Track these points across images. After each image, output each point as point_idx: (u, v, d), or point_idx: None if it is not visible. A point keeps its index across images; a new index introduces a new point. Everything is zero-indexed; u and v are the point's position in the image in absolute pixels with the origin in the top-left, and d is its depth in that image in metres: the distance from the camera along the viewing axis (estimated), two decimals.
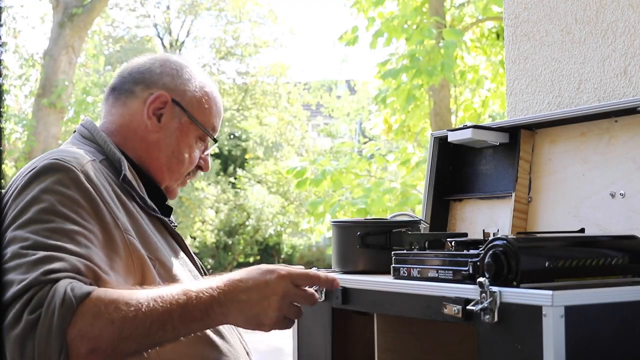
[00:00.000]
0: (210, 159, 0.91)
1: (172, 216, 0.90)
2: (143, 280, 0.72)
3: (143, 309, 0.63)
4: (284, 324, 0.70)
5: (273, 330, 0.70)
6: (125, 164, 0.79)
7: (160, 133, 0.84)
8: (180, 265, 0.79)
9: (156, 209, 0.81)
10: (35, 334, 0.59)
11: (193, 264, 0.85)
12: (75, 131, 0.86)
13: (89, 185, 0.71)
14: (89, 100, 6.45)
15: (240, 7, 10.41)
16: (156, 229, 0.80)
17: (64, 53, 5.76)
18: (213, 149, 0.94)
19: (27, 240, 0.65)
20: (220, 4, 10.46)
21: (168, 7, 10.61)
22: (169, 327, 0.64)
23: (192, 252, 0.86)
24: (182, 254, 0.83)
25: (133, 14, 10.37)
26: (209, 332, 0.75)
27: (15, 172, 5.87)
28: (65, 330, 0.60)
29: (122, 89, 0.85)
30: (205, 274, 0.87)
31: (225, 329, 0.78)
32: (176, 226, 0.88)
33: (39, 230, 0.66)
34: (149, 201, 0.80)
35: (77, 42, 5.89)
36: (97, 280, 0.65)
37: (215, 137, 0.89)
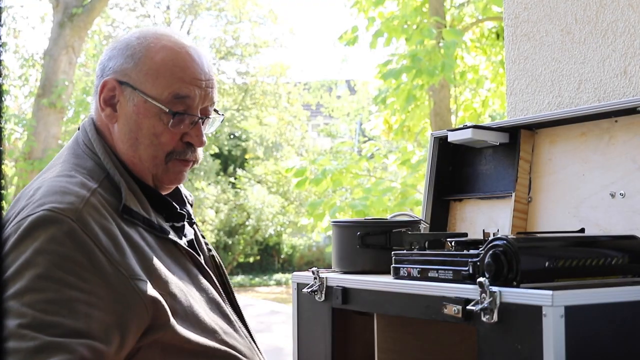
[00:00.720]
0: (202, 130, 0.77)
1: (189, 208, 0.83)
2: (155, 320, 0.67)
3: None
4: None
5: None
6: (124, 190, 0.72)
7: (120, 122, 0.76)
8: (195, 291, 0.73)
9: (165, 227, 0.75)
10: None
11: (210, 280, 0.77)
12: (78, 129, 0.80)
13: (86, 237, 0.66)
14: (89, 100, 6.44)
15: (240, 7, 10.40)
16: (167, 251, 0.74)
17: (64, 53, 5.76)
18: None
19: (24, 317, 0.60)
20: (220, 4, 10.46)
21: (168, 7, 10.61)
22: None
23: (207, 268, 0.78)
24: (195, 274, 0.75)
25: (133, 14, 10.37)
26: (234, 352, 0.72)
27: (15, 173, 5.87)
28: None
29: (95, 87, 0.80)
30: (227, 282, 0.81)
31: (240, 343, 0.74)
32: (194, 222, 0.82)
33: (36, 302, 0.61)
34: (155, 223, 0.74)
35: (77, 42, 5.89)
36: (101, 358, 0.63)
37: (183, 108, 0.75)
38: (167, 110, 0.75)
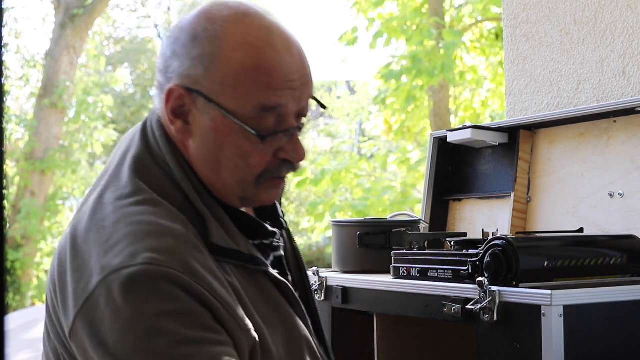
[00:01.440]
0: (300, 142, 0.58)
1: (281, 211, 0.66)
2: None
3: None
4: None
5: None
6: (211, 224, 0.56)
7: (196, 139, 0.57)
8: (285, 332, 0.59)
9: (257, 257, 0.59)
10: None
11: (301, 313, 0.62)
12: (143, 128, 0.60)
13: (200, 289, 0.52)
14: (90, 101, 6.46)
15: None
16: (257, 286, 0.59)
17: (65, 54, 5.77)
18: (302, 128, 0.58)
19: None
20: None
21: (169, 8, 10.62)
22: None
23: (300, 302, 0.62)
24: (287, 311, 0.60)
25: (134, 15, 10.39)
26: None
27: (17, 173, 5.88)
28: None
29: (157, 81, 0.59)
30: (309, 292, 0.66)
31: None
32: (284, 228, 0.66)
33: None
34: (246, 253, 0.58)
35: (79, 43, 5.90)
36: None
37: (266, 124, 0.56)
38: (254, 132, 0.56)
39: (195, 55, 0.56)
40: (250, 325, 0.55)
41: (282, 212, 0.68)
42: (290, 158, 0.59)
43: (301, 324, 0.61)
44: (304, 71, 0.58)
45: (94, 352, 0.52)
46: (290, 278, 0.65)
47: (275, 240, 0.64)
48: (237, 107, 0.56)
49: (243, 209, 0.62)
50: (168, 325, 0.50)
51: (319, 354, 0.62)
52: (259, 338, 0.55)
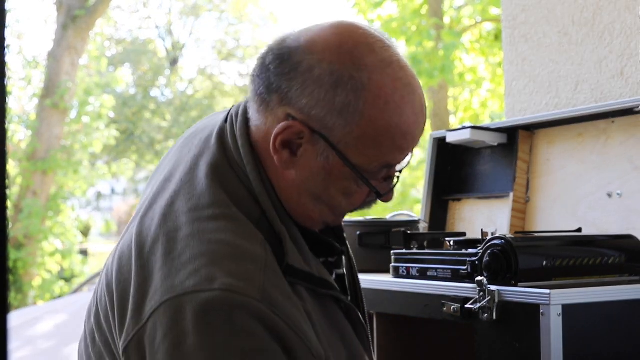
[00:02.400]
0: (394, 188, 0.58)
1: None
2: None
3: None
4: None
5: None
6: (288, 244, 0.53)
7: (298, 170, 0.55)
8: (348, 356, 0.56)
9: (327, 280, 0.56)
10: None
11: (365, 342, 0.59)
12: (221, 134, 0.57)
13: (278, 320, 0.49)
14: (92, 101, 6.47)
15: (241, 9, 10.42)
16: (324, 309, 0.56)
17: (67, 54, 5.78)
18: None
19: None
20: (222, 5, 10.48)
21: (170, 9, 10.63)
22: None
23: (365, 326, 0.60)
24: (351, 335, 0.58)
25: (135, 16, 10.40)
26: None
27: (19, 173, 5.89)
28: None
29: (258, 90, 0.55)
30: (363, 307, 0.63)
31: None
32: (348, 248, 0.63)
33: None
34: (316, 275, 0.55)
35: (80, 44, 5.91)
36: None
37: (380, 175, 0.56)
38: (373, 189, 0.56)
39: (335, 103, 0.53)
40: (322, 352, 0.52)
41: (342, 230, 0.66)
42: (384, 199, 0.58)
43: (362, 349, 0.59)
44: (423, 123, 0.57)
45: None
46: (349, 297, 0.62)
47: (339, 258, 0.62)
48: (363, 162, 0.55)
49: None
50: None
51: None
52: None
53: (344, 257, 0.64)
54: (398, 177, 0.59)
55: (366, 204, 0.59)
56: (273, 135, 0.54)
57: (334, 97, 0.53)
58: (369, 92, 0.53)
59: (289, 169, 0.55)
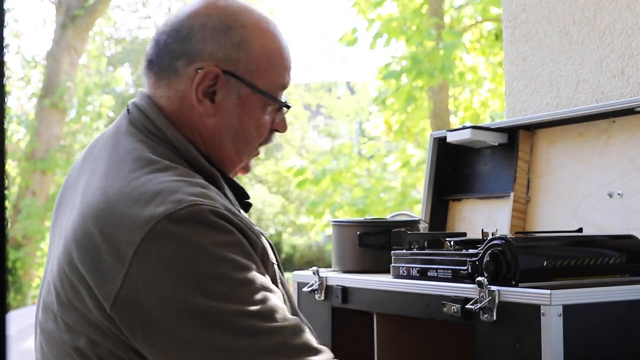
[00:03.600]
0: (286, 119, 0.70)
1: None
2: None
3: None
4: None
5: None
6: (220, 183, 0.63)
7: (218, 115, 0.65)
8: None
9: (262, 232, 0.64)
10: None
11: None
12: (128, 110, 0.65)
13: (239, 222, 0.57)
14: (91, 101, 6.46)
15: None
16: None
17: (66, 54, 5.78)
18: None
19: (255, 307, 0.51)
20: None
21: (169, 9, 10.63)
22: None
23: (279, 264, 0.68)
24: (275, 272, 0.64)
25: (134, 15, 10.40)
26: None
27: (18, 173, 5.89)
28: None
29: (162, 65, 0.65)
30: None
31: None
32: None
33: (253, 294, 0.52)
34: (255, 227, 0.62)
35: (79, 43, 5.91)
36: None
37: (286, 101, 0.68)
38: (279, 102, 0.68)
39: (236, 41, 0.65)
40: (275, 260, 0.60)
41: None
42: (280, 129, 0.71)
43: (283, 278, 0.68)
44: (290, 52, 0.71)
45: (156, 292, 0.51)
46: None
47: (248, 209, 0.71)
48: (267, 85, 0.67)
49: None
50: (227, 254, 0.53)
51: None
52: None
53: None
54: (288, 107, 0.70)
55: (267, 139, 0.70)
56: (193, 89, 0.64)
57: (230, 38, 0.65)
58: (252, 27, 0.66)
59: (211, 116, 0.66)
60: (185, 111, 0.65)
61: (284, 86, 0.69)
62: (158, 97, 0.66)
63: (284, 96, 0.70)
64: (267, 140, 0.71)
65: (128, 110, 0.66)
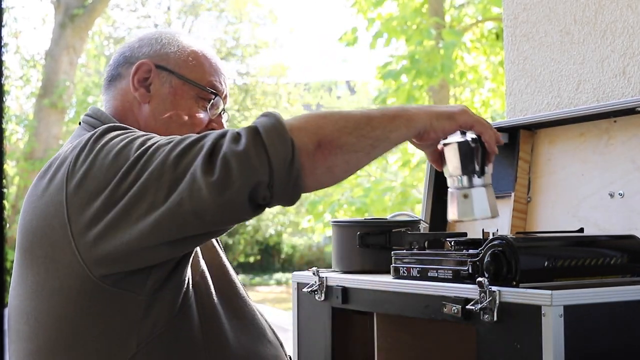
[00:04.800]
0: (225, 122, 0.82)
1: None
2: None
3: (344, 114, 0.64)
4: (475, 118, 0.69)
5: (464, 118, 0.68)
6: None
7: (152, 102, 0.78)
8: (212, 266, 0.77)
9: None
10: (260, 138, 0.57)
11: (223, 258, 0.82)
12: (80, 123, 0.80)
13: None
14: (90, 101, 6.45)
15: (241, 7, 10.42)
16: None
17: (65, 53, 5.77)
18: (227, 107, 0.83)
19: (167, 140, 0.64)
20: (221, 4, 10.47)
21: (169, 8, 10.62)
22: (375, 122, 0.63)
23: (221, 247, 0.84)
24: (213, 248, 0.81)
25: (134, 15, 10.39)
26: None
27: (17, 173, 5.88)
28: (287, 128, 0.58)
29: (111, 77, 0.82)
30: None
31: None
32: None
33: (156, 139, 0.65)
34: None
35: (78, 43, 5.91)
36: None
37: (217, 93, 0.80)
38: (209, 92, 0.79)
39: (165, 43, 0.81)
40: None
41: None
42: (217, 127, 0.80)
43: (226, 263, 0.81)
44: (222, 66, 0.84)
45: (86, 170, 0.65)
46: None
47: None
48: (196, 78, 0.80)
49: None
50: (131, 135, 0.66)
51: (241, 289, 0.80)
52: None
53: None
54: (225, 110, 0.83)
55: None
56: (130, 79, 0.78)
57: (160, 41, 0.81)
58: (182, 37, 0.82)
59: (146, 102, 0.79)
60: (126, 104, 0.79)
61: (215, 85, 0.81)
62: (106, 100, 0.82)
63: (221, 104, 0.81)
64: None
65: (80, 123, 0.80)
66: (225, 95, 0.83)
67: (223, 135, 0.60)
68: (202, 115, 0.79)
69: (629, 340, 0.65)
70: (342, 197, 4.21)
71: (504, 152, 1.02)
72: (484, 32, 4.59)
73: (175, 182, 0.59)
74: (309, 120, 0.62)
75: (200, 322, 0.69)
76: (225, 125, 0.82)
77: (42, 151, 5.67)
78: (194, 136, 0.62)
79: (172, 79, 0.79)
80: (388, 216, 1.04)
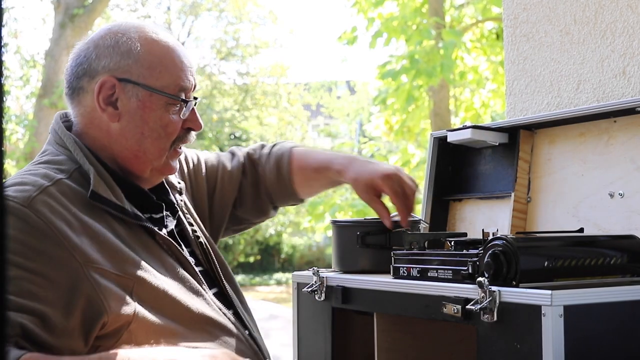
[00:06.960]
0: (198, 116, 0.81)
1: (173, 207, 0.82)
2: (116, 308, 0.69)
3: None
4: None
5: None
6: (93, 176, 0.74)
7: (123, 120, 0.76)
8: (169, 279, 0.75)
9: (139, 214, 0.76)
10: None
11: (191, 270, 0.78)
12: (49, 142, 0.80)
13: (39, 221, 0.68)
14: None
15: (241, 7, 10.42)
16: (140, 241, 0.75)
17: (65, 53, 5.76)
18: (198, 102, 0.81)
19: None
20: (221, 4, 10.47)
21: (169, 8, 10.62)
22: None
23: (188, 257, 0.79)
24: (172, 263, 0.77)
25: (134, 15, 10.38)
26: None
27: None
28: None
29: (72, 88, 0.78)
30: (216, 270, 0.83)
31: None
32: (178, 211, 0.82)
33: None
34: (129, 209, 0.74)
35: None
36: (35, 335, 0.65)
37: (184, 96, 0.78)
38: (179, 99, 0.78)
39: (124, 51, 0.76)
40: (100, 262, 0.70)
41: (180, 203, 0.86)
42: (194, 126, 0.80)
43: (189, 277, 0.78)
44: (192, 63, 0.81)
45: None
46: (190, 249, 0.83)
47: (166, 215, 0.81)
48: (163, 86, 0.77)
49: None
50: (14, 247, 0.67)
51: (212, 303, 0.78)
52: (136, 273, 0.72)
53: (182, 215, 0.85)
54: (195, 98, 0.81)
55: (183, 137, 0.80)
56: (95, 99, 0.76)
57: (118, 49, 0.77)
58: (139, 38, 0.77)
59: (115, 121, 0.77)
60: (94, 122, 0.78)
61: (183, 87, 0.78)
62: (73, 116, 0.80)
63: (191, 98, 0.79)
64: (183, 138, 0.80)
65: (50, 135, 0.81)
66: (194, 85, 0.80)
67: None
68: (174, 118, 0.78)
69: (628, 340, 0.65)
70: (342, 199, 4.21)
71: (504, 152, 1.02)
72: (484, 32, 4.59)
73: None
74: None
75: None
76: (200, 119, 0.81)
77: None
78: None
79: (138, 91, 0.76)
80: None
